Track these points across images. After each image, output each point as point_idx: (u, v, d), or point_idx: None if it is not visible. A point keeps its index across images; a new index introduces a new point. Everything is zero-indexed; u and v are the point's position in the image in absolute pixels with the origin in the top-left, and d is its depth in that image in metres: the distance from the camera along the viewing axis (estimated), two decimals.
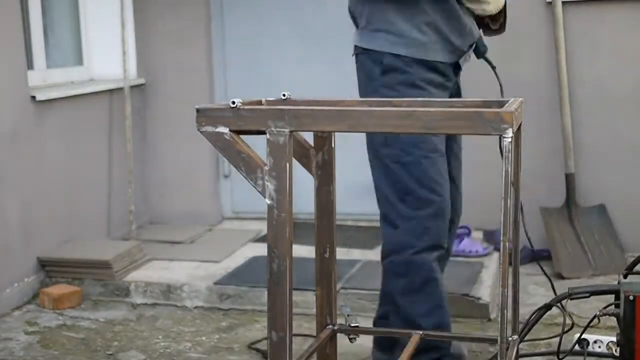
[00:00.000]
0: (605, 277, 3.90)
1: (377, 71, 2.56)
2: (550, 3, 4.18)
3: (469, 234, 4.09)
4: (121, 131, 4.55)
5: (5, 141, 3.68)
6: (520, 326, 2.61)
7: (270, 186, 1.84)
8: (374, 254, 3.85)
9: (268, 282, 1.88)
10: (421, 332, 2.31)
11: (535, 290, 3.78)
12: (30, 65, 4.08)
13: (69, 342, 3.34)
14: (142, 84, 4.80)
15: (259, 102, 2.07)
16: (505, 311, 1.77)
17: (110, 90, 4.52)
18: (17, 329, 3.48)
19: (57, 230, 4.06)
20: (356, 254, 4.14)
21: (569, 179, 4.21)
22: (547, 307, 2.62)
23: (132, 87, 4.61)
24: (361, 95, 2.60)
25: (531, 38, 4.25)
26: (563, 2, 4.16)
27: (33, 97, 3.87)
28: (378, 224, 2.67)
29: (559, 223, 4.17)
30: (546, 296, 3.49)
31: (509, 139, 1.72)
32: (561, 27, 4.16)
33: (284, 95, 2.16)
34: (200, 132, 1.88)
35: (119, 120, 4.55)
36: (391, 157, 2.53)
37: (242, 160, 1.86)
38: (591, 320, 2.52)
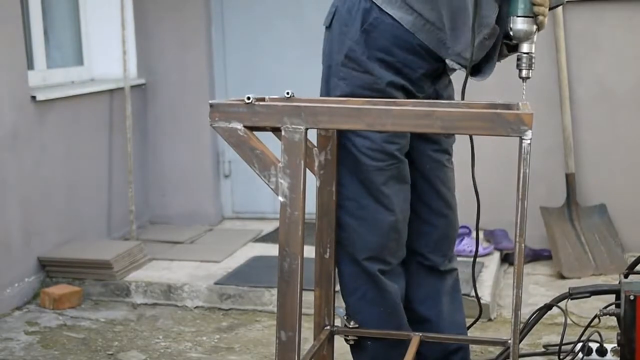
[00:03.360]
0: (606, 277, 3.90)
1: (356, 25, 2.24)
2: None
3: (469, 233, 4.09)
4: (121, 131, 4.55)
5: (5, 141, 3.68)
6: (520, 326, 2.61)
7: (283, 184, 1.82)
8: None
9: (278, 281, 1.86)
10: (420, 334, 2.30)
11: (535, 290, 3.78)
12: (30, 65, 4.08)
13: (70, 342, 3.34)
14: (142, 84, 4.80)
15: (262, 100, 2.05)
16: (519, 312, 1.76)
17: (111, 90, 4.52)
18: (17, 329, 3.47)
19: (57, 230, 4.05)
20: None
21: (569, 179, 4.21)
22: (548, 307, 2.62)
23: (132, 87, 4.61)
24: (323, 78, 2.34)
25: None
26: None
27: (33, 97, 3.87)
28: None
29: (559, 223, 4.17)
30: (546, 296, 3.49)
31: (529, 141, 1.71)
32: (561, 27, 4.15)
33: (287, 93, 2.13)
34: (213, 127, 1.85)
35: (119, 120, 4.55)
36: (343, 160, 2.27)
37: (255, 156, 1.84)
38: (592, 320, 2.52)
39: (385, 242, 2.29)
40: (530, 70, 2.19)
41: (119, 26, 4.52)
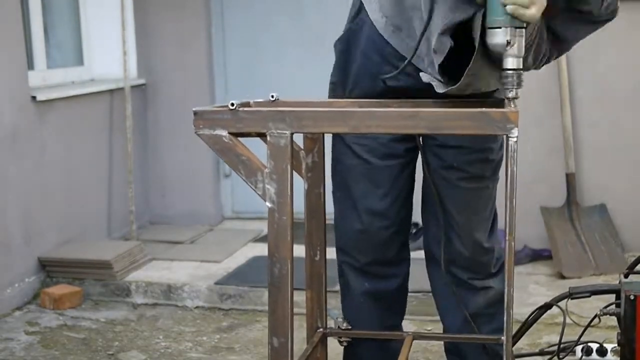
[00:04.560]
0: (606, 277, 3.90)
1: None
2: None
3: None
4: (121, 131, 4.55)
5: (5, 141, 3.68)
6: (519, 325, 2.61)
7: (270, 189, 1.81)
8: None
9: (269, 287, 1.85)
10: (412, 333, 2.29)
11: (536, 289, 3.78)
12: (30, 66, 4.08)
13: (70, 342, 3.34)
14: (142, 84, 4.80)
15: (247, 104, 2.02)
16: (512, 310, 1.76)
17: (111, 91, 4.52)
18: (17, 329, 3.48)
19: (57, 230, 4.05)
20: None
21: (570, 179, 4.21)
22: (547, 306, 2.62)
23: (132, 87, 4.61)
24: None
25: None
26: None
27: (33, 97, 3.87)
28: None
29: (559, 223, 4.17)
30: (547, 296, 3.49)
31: (515, 139, 1.70)
32: None
33: (272, 96, 2.10)
34: (198, 135, 1.84)
35: (120, 120, 4.55)
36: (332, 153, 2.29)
37: (241, 163, 1.83)
38: (592, 320, 2.52)
39: (351, 239, 2.28)
40: (518, 90, 1.85)
41: (119, 26, 4.52)
